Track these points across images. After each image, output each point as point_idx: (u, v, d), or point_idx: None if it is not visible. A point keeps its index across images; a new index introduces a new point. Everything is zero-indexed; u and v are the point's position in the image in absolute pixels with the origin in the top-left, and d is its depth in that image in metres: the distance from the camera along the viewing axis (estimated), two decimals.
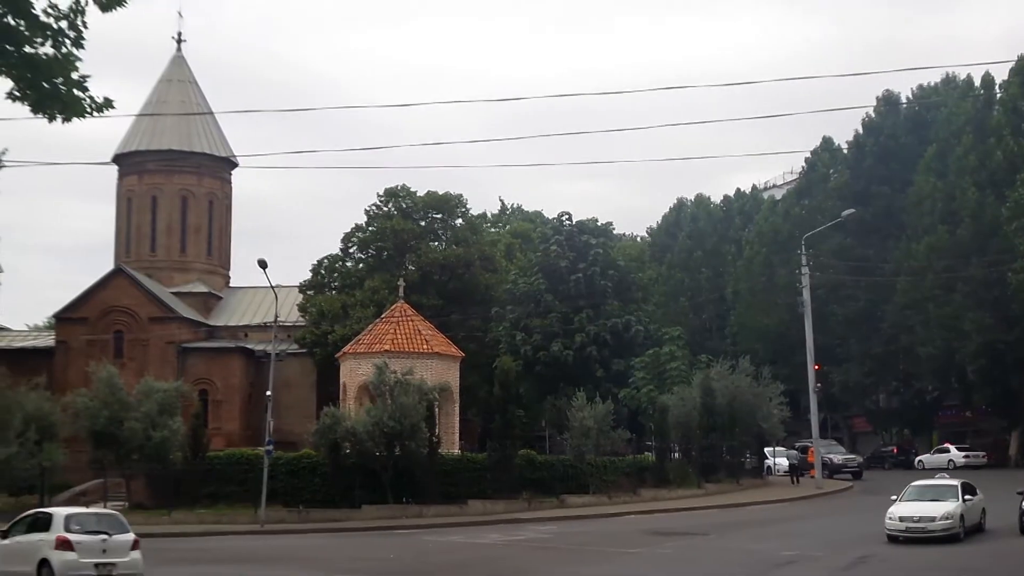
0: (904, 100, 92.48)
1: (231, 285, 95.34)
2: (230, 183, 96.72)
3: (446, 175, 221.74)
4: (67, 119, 13.69)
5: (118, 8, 13.45)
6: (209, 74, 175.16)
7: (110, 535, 28.46)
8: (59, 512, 29.67)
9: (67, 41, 13.28)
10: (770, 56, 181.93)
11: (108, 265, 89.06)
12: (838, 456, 76.62)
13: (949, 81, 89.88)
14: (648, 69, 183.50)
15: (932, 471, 62.95)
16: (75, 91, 13.52)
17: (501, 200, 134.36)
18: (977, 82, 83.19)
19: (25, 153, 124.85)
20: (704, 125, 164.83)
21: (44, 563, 27.87)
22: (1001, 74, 79.63)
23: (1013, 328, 73.51)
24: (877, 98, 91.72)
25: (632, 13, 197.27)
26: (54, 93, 13.45)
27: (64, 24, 13.20)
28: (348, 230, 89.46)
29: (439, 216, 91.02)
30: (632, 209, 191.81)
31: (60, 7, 13.15)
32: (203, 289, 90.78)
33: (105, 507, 53.14)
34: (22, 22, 13.01)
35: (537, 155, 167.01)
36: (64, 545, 27.66)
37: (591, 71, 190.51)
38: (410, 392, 51.87)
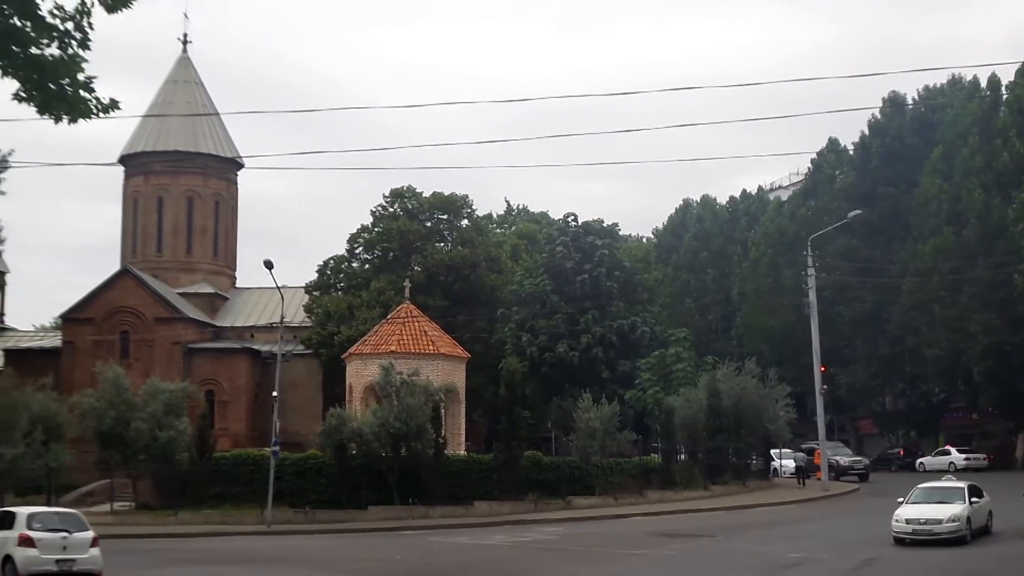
0: (910, 101, 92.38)
1: (237, 286, 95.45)
2: (236, 184, 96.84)
3: (452, 176, 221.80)
4: (73, 120, 13.69)
5: (124, 9, 13.45)
6: (215, 75, 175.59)
7: (70, 533, 29.53)
8: (22, 511, 30.73)
9: (73, 42, 13.28)
10: (773, 58, 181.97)
11: (114, 266, 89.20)
12: (844, 458, 76.48)
13: (955, 82, 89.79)
14: (651, 70, 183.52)
15: (933, 473, 63.01)
16: (81, 92, 13.52)
17: (507, 201, 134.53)
18: (983, 83, 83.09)
19: (30, 154, 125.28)
20: (710, 126, 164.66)
21: (8, 559, 29.09)
22: (1007, 75, 79.62)
23: (1020, 330, 73.44)
24: (883, 99, 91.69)
25: (635, 13, 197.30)
26: (60, 94, 13.45)
27: (70, 25, 13.20)
28: (354, 231, 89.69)
29: (445, 217, 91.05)
30: (638, 210, 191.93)
31: (66, 8, 13.16)
32: (209, 290, 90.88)
33: (112, 508, 53.42)
34: (28, 23, 13.01)
35: (543, 156, 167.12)
36: (26, 542, 28.79)
37: (595, 72, 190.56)
38: (416, 393, 51.88)
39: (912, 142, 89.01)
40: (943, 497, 36.04)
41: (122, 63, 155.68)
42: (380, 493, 51.23)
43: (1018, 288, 69.88)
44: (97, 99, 13.66)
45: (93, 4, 13.22)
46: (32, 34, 13.08)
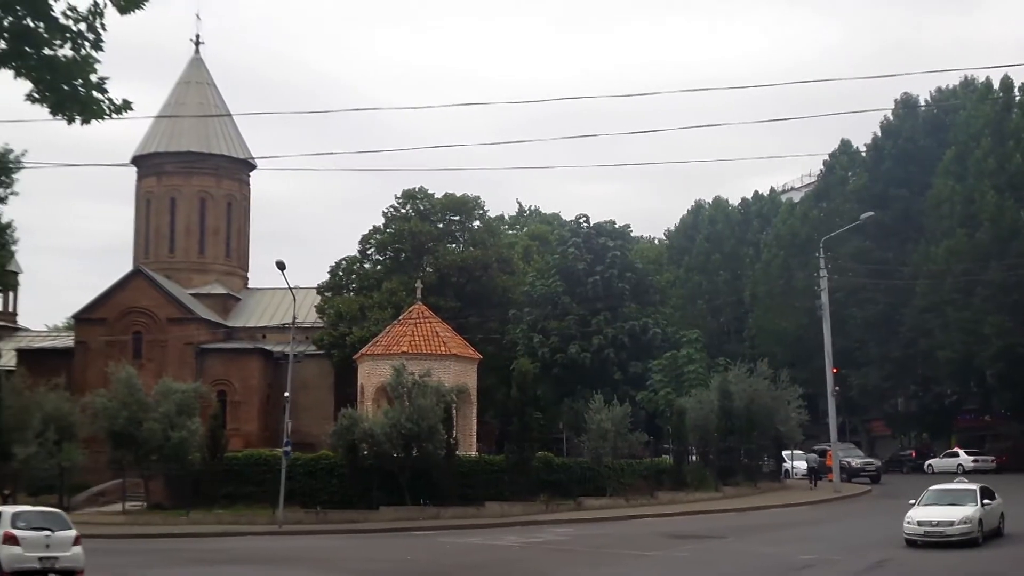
0: (922, 103, 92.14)
1: (249, 286, 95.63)
2: (248, 185, 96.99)
3: (464, 177, 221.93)
4: (86, 121, 13.73)
5: (136, 10, 13.49)
6: (227, 76, 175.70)
7: (53, 531, 29.90)
8: (6, 510, 31.24)
9: (86, 43, 13.31)
10: (779, 60, 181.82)
11: (127, 266, 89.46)
12: (856, 460, 76.38)
13: (967, 84, 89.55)
14: (656, 71, 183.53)
15: (941, 475, 62.90)
16: (94, 93, 13.56)
17: (519, 202, 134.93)
18: (996, 85, 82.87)
19: (42, 155, 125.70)
20: (722, 127, 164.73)
21: None
22: (1020, 77, 79.77)
23: None
24: (895, 101, 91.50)
25: (637, 14, 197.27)
26: (73, 95, 13.48)
27: (83, 26, 13.23)
28: (366, 232, 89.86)
29: (457, 218, 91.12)
30: (650, 211, 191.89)
31: (79, 9, 13.19)
32: (221, 290, 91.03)
33: (124, 508, 53.56)
34: (41, 24, 13.05)
35: (555, 157, 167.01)
36: (10, 540, 29.23)
37: (603, 73, 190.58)
38: (428, 394, 51.92)
39: (925, 144, 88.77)
40: (955, 499, 35.94)
41: (135, 64, 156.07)
42: (391, 494, 51.27)
43: None
44: (110, 100, 13.69)
45: (106, 5, 13.26)
46: (45, 35, 13.12)
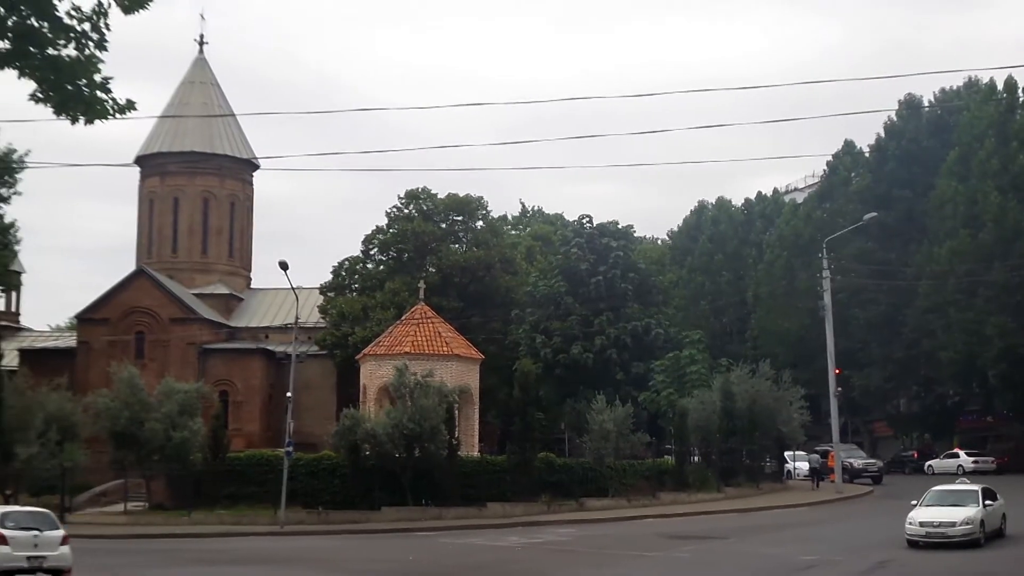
0: (926, 104, 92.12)
1: (252, 287, 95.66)
2: (252, 185, 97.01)
3: (467, 177, 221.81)
4: (90, 121, 13.73)
5: (141, 10, 13.50)
6: (231, 76, 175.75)
7: (41, 531, 30.19)
8: None
9: (90, 43, 13.32)
10: (783, 60, 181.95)
11: (129, 266, 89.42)
12: (858, 460, 76.33)
13: (971, 85, 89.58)
14: (663, 71, 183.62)
15: (941, 476, 62.90)
16: (98, 93, 13.56)
17: (522, 202, 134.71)
18: (1000, 86, 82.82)
19: (45, 155, 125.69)
20: (725, 128, 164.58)
21: None
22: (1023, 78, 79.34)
23: None
24: (899, 102, 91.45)
25: (646, 16, 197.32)
26: (77, 95, 13.49)
27: (87, 26, 13.24)
28: (369, 232, 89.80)
29: (459, 218, 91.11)
30: (653, 212, 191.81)
31: (83, 9, 13.21)
32: (224, 290, 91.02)
33: (126, 508, 53.59)
34: (45, 24, 13.06)
35: (558, 158, 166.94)
36: None
37: (609, 73, 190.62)
38: (430, 394, 51.94)
39: (928, 144, 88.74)
40: (957, 500, 35.96)
41: (139, 64, 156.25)
42: (393, 494, 51.30)
43: None
44: (114, 100, 13.70)
45: (110, 5, 13.27)
46: (49, 35, 13.13)
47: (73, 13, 13.17)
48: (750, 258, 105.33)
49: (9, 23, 12.93)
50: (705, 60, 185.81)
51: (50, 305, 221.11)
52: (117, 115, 13.82)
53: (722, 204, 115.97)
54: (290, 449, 49.89)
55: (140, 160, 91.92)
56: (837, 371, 67.33)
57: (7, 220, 59.65)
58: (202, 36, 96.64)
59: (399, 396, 53.24)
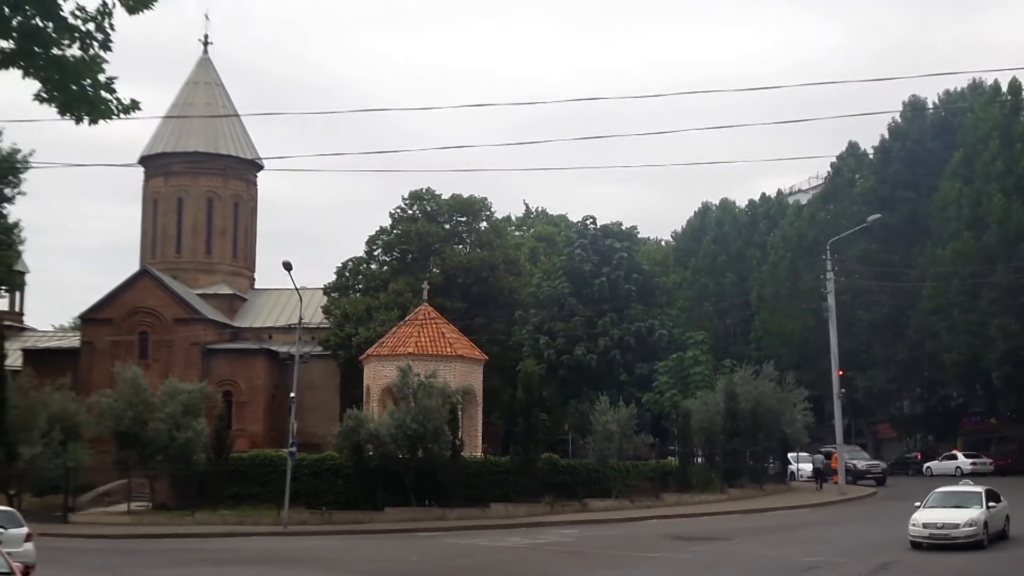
0: (930, 105, 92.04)
1: (256, 287, 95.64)
2: (255, 185, 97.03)
3: (471, 178, 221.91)
4: (94, 121, 13.73)
5: (145, 10, 13.51)
6: (235, 77, 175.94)
7: (5, 529, 30.52)
8: None
9: (94, 43, 13.32)
10: (783, 60, 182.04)
11: (133, 266, 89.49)
12: (862, 462, 76.36)
13: (975, 86, 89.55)
14: (665, 72, 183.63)
15: (941, 477, 62.92)
16: (102, 93, 13.56)
17: (525, 203, 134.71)
18: (1004, 87, 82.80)
19: (49, 155, 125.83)
20: (729, 129, 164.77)
21: None
22: None
23: None
24: (903, 103, 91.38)
25: (648, 17, 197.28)
26: (81, 95, 13.49)
27: (91, 26, 13.24)
28: (372, 233, 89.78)
29: (463, 219, 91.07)
30: (657, 213, 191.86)
31: (88, 9, 13.21)
32: (228, 291, 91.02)
33: (129, 508, 53.62)
34: (50, 24, 13.07)
35: (562, 159, 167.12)
36: None
37: (612, 75, 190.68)
38: (433, 395, 51.94)
39: (932, 146, 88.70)
40: (960, 501, 35.96)
41: (143, 64, 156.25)
42: (397, 494, 51.30)
43: None
44: (118, 100, 13.70)
45: (114, 5, 13.27)
46: (54, 35, 13.13)
47: (77, 13, 13.17)
48: (754, 259, 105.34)
49: (13, 23, 12.94)
50: (707, 61, 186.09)
51: (54, 305, 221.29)
52: (121, 115, 13.83)
53: (726, 205, 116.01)
54: (294, 449, 49.91)
55: (144, 160, 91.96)
56: (841, 372, 67.31)
57: (11, 220, 59.74)
58: (206, 36, 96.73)
59: (403, 397, 53.26)
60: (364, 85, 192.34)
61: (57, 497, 52.65)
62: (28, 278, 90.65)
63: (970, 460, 76.71)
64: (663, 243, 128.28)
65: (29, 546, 30.39)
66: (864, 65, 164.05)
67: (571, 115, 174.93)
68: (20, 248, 65.29)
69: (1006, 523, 37.32)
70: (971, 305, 76.53)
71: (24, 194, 58.60)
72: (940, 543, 33.98)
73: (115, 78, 13.60)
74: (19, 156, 57.20)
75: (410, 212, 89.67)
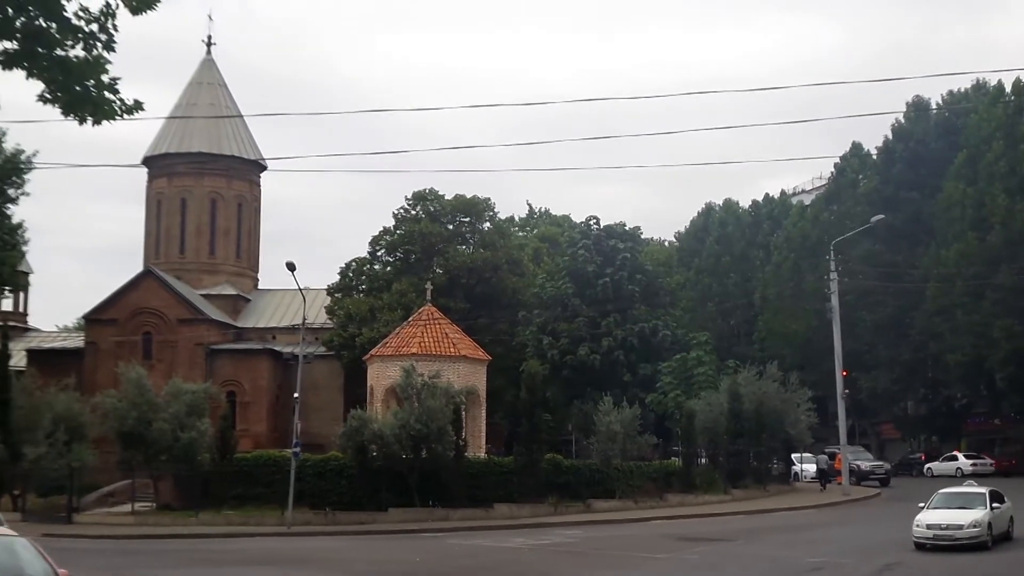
0: (934, 106, 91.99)
1: (259, 287, 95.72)
2: (259, 186, 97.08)
3: (474, 179, 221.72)
4: (97, 122, 13.75)
5: (148, 11, 13.52)
6: (238, 77, 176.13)
7: None
8: None
9: (98, 44, 13.34)
10: (789, 62, 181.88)
11: (137, 267, 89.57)
12: (865, 463, 76.39)
13: (979, 87, 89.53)
14: (668, 73, 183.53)
15: (941, 478, 62.90)
16: (106, 93, 13.58)
17: (529, 204, 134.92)
18: (1008, 88, 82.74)
19: (54, 156, 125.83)
20: (733, 130, 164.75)
21: None
22: None
23: None
24: (907, 104, 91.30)
25: (650, 17, 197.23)
26: (85, 95, 13.51)
27: (95, 27, 13.26)
28: (376, 233, 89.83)
29: (467, 220, 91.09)
30: (660, 213, 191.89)
31: (91, 10, 13.22)
32: (232, 291, 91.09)
33: (133, 508, 53.58)
34: (54, 24, 13.09)
35: (565, 159, 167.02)
36: None
37: (615, 75, 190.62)
38: (437, 395, 51.89)
39: (936, 147, 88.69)
40: (964, 502, 35.93)
41: (146, 65, 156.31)
42: (400, 495, 51.26)
43: None
44: (121, 100, 13.72)
45: (118, 6, 13.29)
46: (57, 35, 13.15)
47: (81, 14, 13.20)
48: (757, 260, 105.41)
49: (17, 24, 12.96)
50: (707, 61, 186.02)
51: (58, 306, 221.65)
52: (125, 116, 13.85)
53: (729, 206, 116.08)
54: (297, 450, 49.87)
55: (148, 161, 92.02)
56: (844, 373, 67.36)
57: (15, 220, 59.74)
58: (210, 37, 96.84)
59: (406, 397, 53.21)
60: (367, 85, 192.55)
61: (61, 497, 52.63)
62: (32, 279, 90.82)
63: (970, 461, 76.77)
64: (666, 243, 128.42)
65: None
66: (865, 66, 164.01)
67: (574, 115, 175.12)
68: (24, 249, 65.33)
69: (1010, 524, 37.28)
70: (975, 306, 76.52)
71: (28, 195, 58.63)
72: (944, 544, 33.94)
73: (118, 79, 13.63)
74: (23, 157, 57.19)
75: (413, 212, 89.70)
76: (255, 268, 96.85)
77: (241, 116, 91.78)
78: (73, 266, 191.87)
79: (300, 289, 55.95)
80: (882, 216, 73.64)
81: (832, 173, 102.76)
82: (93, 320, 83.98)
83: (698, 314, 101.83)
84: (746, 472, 66.01)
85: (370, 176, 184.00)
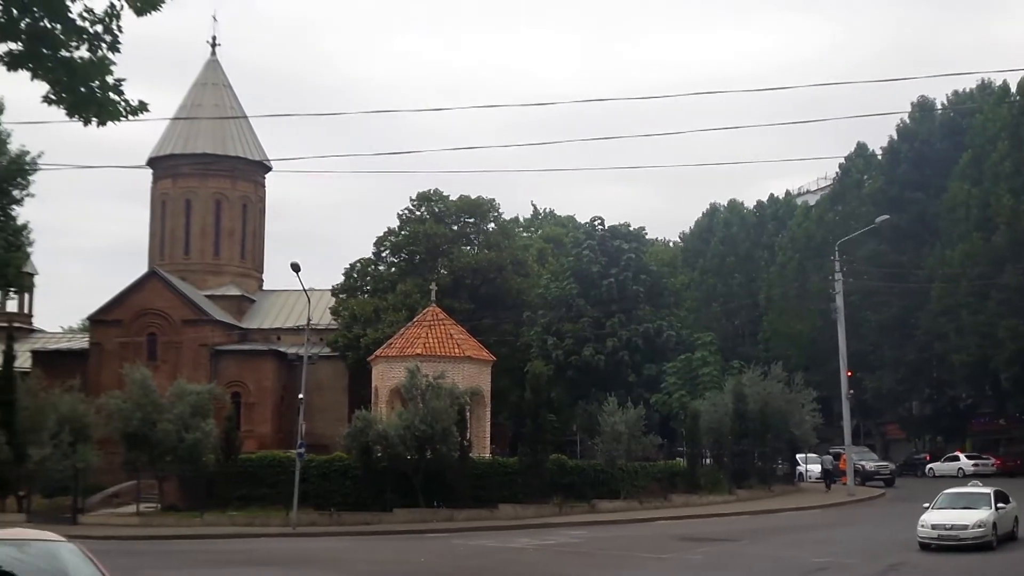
0: (939, 106, 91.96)
1: (264, 288, 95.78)
2: (264, 186, 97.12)
3: (479, 179, 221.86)
4: (102, 122, 13.75)
5: (153, 12, 13.53)
6: (243, 78, 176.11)
7: None
8: None
9: (103, 45, 13.33)
10: (790, 62, 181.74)
11: (141, 268, 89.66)
12: (870, 463, 76.36)
13: (984, 87, 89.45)
14: (670, 73, 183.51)
15: (943, 479, 62.84)
16: (110, 95, 13.58)
17: (533, 204, 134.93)
18: (1013, 88, 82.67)
19: (59, 157, 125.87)
20: (738, 131, 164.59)
21: None
22: None
23: None
24: (912, 104, 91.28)
25: (651, 18, 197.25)
26: (90, 97, 13.51)
27: (99, 28, 13.26)
28: (381, 234, 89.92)
29: (471, 220, 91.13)
30: (665, 214, 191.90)
31: (95, 11, 13.23)
32: (236, 292, 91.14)
33: (138, 509, 53.61)
34: (58, 26, 13.09)
35: (570, 160, 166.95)
36: None
37: (619, 75, 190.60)
38: (442, 396, 51.90)
39: (941, 147, 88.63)
40: (969, 503, 35.91)
41: (151, 66, 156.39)
42: (405, 496, 51.28)
43: None
44: (126, 101, 13.72)
45: (122, 7, 13.30)
46: (62, 36, 13.15)
47: (85, 15, 13.19)
48: (762, 260, 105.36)
49: (22, 25, 12.96)
50: (708, 61, 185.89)
51: (62, 307, 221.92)
52: (130, 117, 13.85)
53: (734, 206, 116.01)
54: (302, 451, 49.83)
55: (152, 162, 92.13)
56: (849, 373, 67.35)
57: (20, 222, 59.66)
58: (214, 38, 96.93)
59: (411, 398, 53.21)
60: (371, 85, 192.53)
61: (66, 498, 52.62)
62: (37, 280, 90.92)
63: (972, 461, 76.76)
64: (671, 244, 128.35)
65: None
66: (865, 66, 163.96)
67: (578, 116, 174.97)
68: (29, 250, 65.23)
69: (1015, 524, 37.26)
70: (980, 306, 76.48)
71: (33, 196, 58.49)
72: (949, 544, 33.92)
73: (123, 80, 13.63)
74: (28, 158, 57.12)
75: (418, 213, 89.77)
76: (260, 269, 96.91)
77: (246, 117, 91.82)
78: (78, 267, 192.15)
79: (305, 290, 55.98)
80: (887, 216, 73.56)
81: (837, 173, 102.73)
82: (98, 321, 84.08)
83: (703, 314, 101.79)
84: (751, 472, 66.01)
85: (374, 177, 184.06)
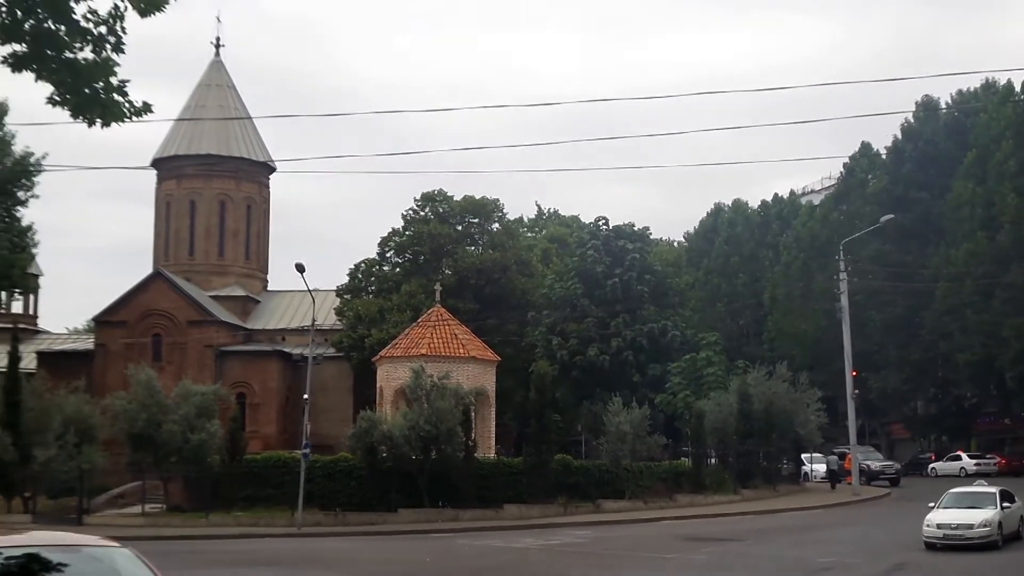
0: (943, 105, 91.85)
1: (269, 289, 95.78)
2: (268, 187, 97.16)
3: (483, 180, 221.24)
4: (106, 124, 13.77)
5: (157, 13, 13.54)
6: (247, 79, 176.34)
7: None
8: None
9: (107, 46, 13.35)
10: (792, 62, 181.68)
11: (146, 269, 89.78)
12: (875, 463, 76.32)
13: (989, 86, 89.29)
14: (671, 74, 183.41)
15: (945, 478, 62.76)
16: (115, 96, 13.60)
17: (538, 205, 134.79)
18: (1017, 87, 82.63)
19: (63, 158, 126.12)
20: (742, 130, 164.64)
21: None
22: None
23: None
24: (916, 103, 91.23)
25: (656, 19, 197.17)
26: (94, 98, 13.53)
27: (104, 29, 13.27)
28: (385, 234, 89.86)
29: (476, 221, 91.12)
30: (669, 214, 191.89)
31: (99, 12, 13.24)
32: (241, 293, 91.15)
33: (143, 510, 53.66)
34: (62, 27, 13.11)
35: (573, 160, 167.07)
36: None
37: (623, 76, 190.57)
38: (446, 396, 51.92)
39: (945, 146, 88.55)
40: (974, 502, 35.88)
41: (155, 67, 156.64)
42: (410, 496, 51.30)
43: None
44: (130, 103, 13.74)
45: (126, 8, 13.31)
46: (66, 38, 13.17)
47: (90, 16, 13.21)
48: (766, 260, 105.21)
49: (26, 26, 12.98)
50: (708, 61, 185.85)
51: (67, 308, 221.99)
52: (134, 118, 13.87)
53: (738, 206, 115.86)
54: (307, 451, 49.85)
55: (157, 163, 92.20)
56: (854, 373, 67.30)
57: (25, 223, 59.77)
58: (218, 39, 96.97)
59: (415, 398, 53.25)
60: (376, 86, 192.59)
61: (71, 499, 52.72)
62: (42, 281, 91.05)
63: (974, 461, 76.70)
64: (675, 244, 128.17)
65: None
66: (866, 65, 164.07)
67: (582, 116, 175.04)
68: (34, 251, 65.34)
69: (1020, 524, 37.19)
70: (984, 305, 76.41)
71: (37, 197, 58.64)
72: (954, 544, 33.91)
73: (127, 81, 13.65)
74: (32, 159, 57.24)
75: (422, 214, 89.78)
76: (264, 269, 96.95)
77: (250, 118, 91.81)
78: (82, 268, 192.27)
79: (309, 290, 55.95)
80: (891, 216, 73.55)
81: (841, 173, 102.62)
82: (103, 322, 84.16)
83: (707, 314, 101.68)
84: (756, 472, 65.99)
85: (379, 177, 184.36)
